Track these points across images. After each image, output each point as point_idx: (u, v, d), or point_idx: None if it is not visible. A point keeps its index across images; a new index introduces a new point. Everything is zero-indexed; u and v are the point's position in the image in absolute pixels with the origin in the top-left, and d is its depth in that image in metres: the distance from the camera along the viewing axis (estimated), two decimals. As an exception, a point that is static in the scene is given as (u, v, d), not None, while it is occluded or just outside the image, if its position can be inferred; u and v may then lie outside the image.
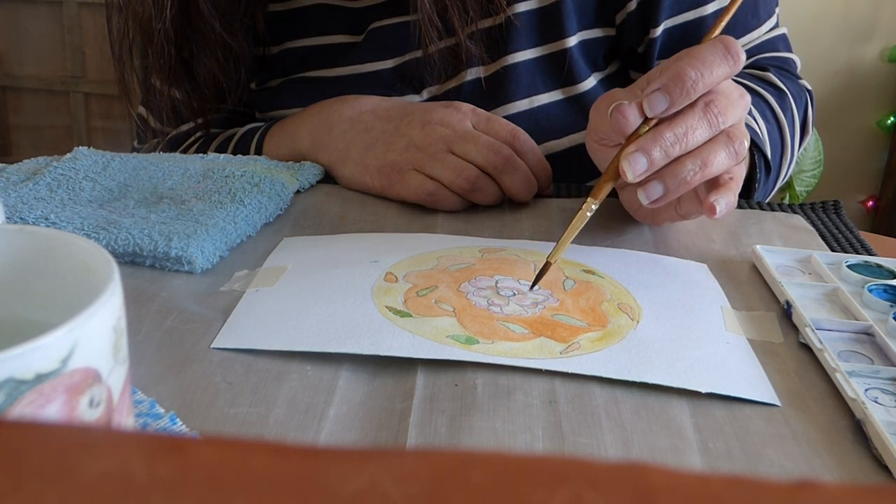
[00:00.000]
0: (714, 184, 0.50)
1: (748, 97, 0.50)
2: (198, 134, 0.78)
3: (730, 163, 0.48)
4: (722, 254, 0.55)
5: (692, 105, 0.47)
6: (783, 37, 0.75)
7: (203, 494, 0.13)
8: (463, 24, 0.65)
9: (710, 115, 0.47)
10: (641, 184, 0.48)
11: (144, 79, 0.70)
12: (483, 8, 0.66)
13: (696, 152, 0.48)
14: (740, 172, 0.52)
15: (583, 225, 0.49)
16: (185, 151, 0.77)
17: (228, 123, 0.78)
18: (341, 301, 0.45)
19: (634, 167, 0.47)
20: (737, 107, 0.49)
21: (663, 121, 0.48)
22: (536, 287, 0.47)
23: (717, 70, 0.47)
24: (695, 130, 0.47)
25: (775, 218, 0.62)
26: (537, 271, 0.50)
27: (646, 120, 0.48)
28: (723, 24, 0.50)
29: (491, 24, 0.68)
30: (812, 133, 0.85)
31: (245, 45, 0.71)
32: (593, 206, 0.49)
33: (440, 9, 0.64)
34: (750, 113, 0.64)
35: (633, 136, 0.48)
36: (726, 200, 0.49)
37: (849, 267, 0.51)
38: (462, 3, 0.64)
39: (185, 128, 0.78)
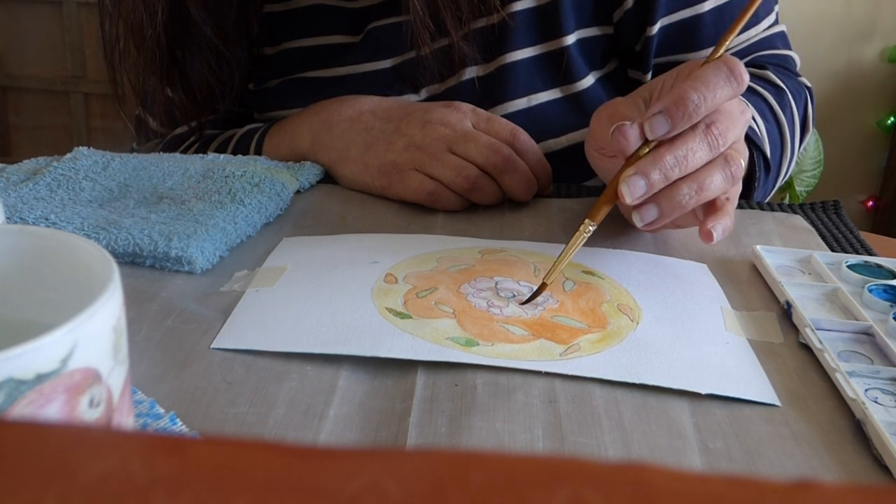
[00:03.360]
0: (711, 206, 0.50)
1: (749, 112, 0.50)
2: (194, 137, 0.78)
3: (725, 186, 0.48)
4: (722, 254, 0.55)
5: (693, 126, 0.47)
6: (782, 34, 0.75)
7: (203, 494, 0.13)
8: (456, 24, 0.65)
9: (710, 136, 0.47)
10: (637, 206, 0.48)
11: (138, 81, 0.70)
12: (476, 8, 0.66)
13: (693, 176, 0.47)
14: (736, 189, 0.52)
15: (579, 247, 0.48)
16: (183, 153, 0.77)
17: (227, 124, 0.78)
18: (341, 302, 0.45)
19: (633, 190, 0.47)
20: (737, 125, 0.48)
21: (663, 142, 0.47)
22: (536, 289, 0.47)
23: (720, 92, 0.46)
24: (695, 153, 0.47)
25: (775, 218, 0.62)
26: (537, 273, 0.50)
27: (646, 140, 0.48)
28: (727, 42, 0.49)
29: (485, 23, 0.68)
30: (812, 132, 0.85)
31: (238, 50, 0.71)
32: (591, 228, 0.48)
33: (433, 10, 0.64)
34: None
35: (633, 157, 0.48)
36: (723, 226, 0.49)
37: (849, 267, 0.51)
38: (454, 4, 0.64)
39: (179, 130, 0.78)
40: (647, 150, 0.48)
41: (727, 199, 0.50)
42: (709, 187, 0.48)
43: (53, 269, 0.28)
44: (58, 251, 0.28)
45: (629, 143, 0.47)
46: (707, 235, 0.48)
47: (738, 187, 0.52)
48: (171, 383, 0.38)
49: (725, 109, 0.48)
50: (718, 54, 0.49)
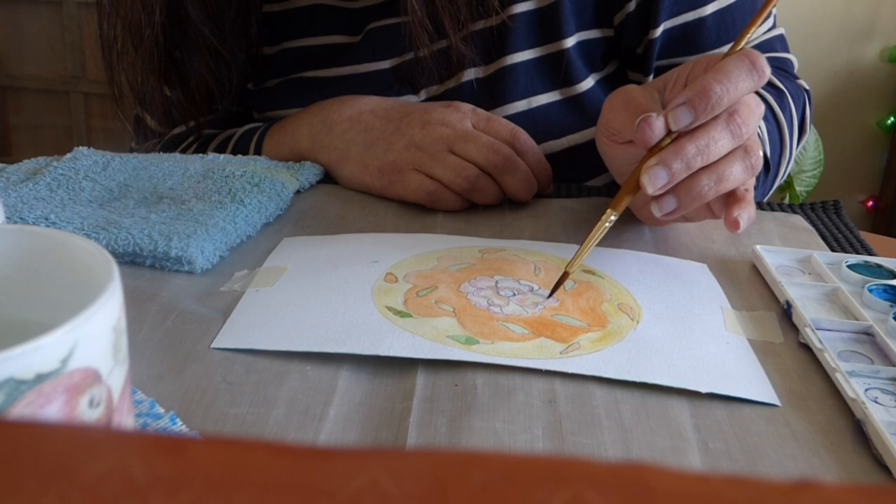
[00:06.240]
0: (732, 197, 0.49)
1: (763, 107, 0.50)
2: (193, 136, 0.78)
3: (745, 177, 0.48)
4: (722, 254, 0.55)
5: (715, 116, 0.47)
6: (781, 37, 0.75)
7: (203, 494, 0.13)
8: (455, 26, 0.65)
9: (733, 125, 0.47)
10: (656, 196, 0.48)
11: (136, 81, 0.70)
12: (475, 10, 0.66)
13: (713, 167, 0.47)
14: (752, 181, 0.52)
15: (601, 236, 0.48)
16: (182, 152, 0.77)
17: (226, 124, 0.78)
18: (341, 301, 0.45)
19: (655, 181, 0.47)
20: (755, 116, 0.48)
21: (684, 132, 0.48)
22: (537, 287, 0.47)
23: (741, 84, 0.47)
24: (717, 142, 0.47)
25: (775, 218, 0.62)
26: (537, 272, 0.50)
27: (668, 132, 0.48)
28: (748, 35, 0.49)
29: (484, 25, 0.68)
30: (811, 132, 0.85)
31: (237, 51, 0.71)
32: (612, 218, 0.49)
33: (431, 11, 0.63)
34: None
35: (654, 147, 0.48)
36: (748, 214, 0.49)
37: (849, 267, 0.51)
38: (453, 5, 0.64)
39: (178, 130, 0.79)
40: (669, 140, 0.48)
41: (746, 189, 0.50)
42: (728, 178, 0.48)
43: (53, 269, 0.28)
44: (58, 251, 0.28)
45: (654, 133, 0.47)
46: (733, 224, 0.48)
47: (754, 179, 0.52)
48: (171, 383, 0.38)
49: (745, 100, 0.48)
50: (739, 47, 0.49)
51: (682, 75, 0.52)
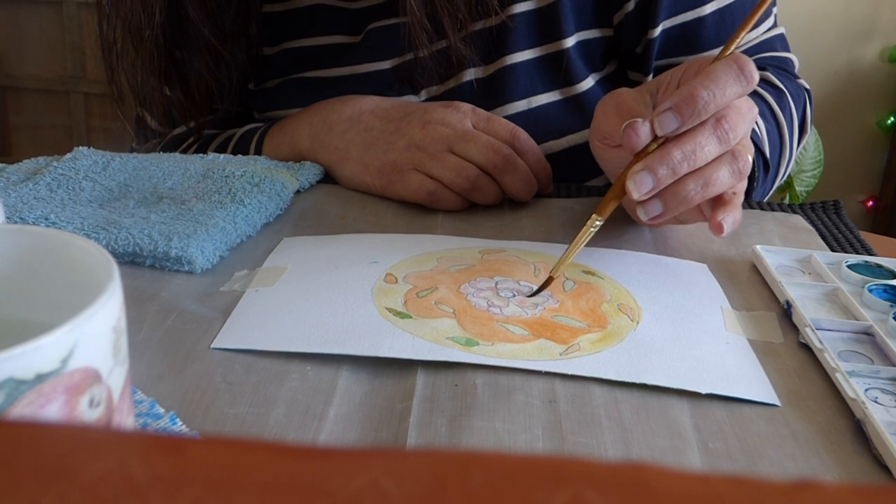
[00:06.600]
0: (718, 200, 0.49)
1: (756, 109, 0.50)
2: (193, 137, 0.78)
3: (732, 182, 0.48)
4: (722, 254, 0.55)
5: (703, 121, 0.47)
6: (781, 36, 0.75)
7: (203, 494, 0.13)
8: (454, 26, 0.65)
9: (720, 130, 0.47)
10: (642, 201, 0.48)
11: (136, 81, 0.70)
12: (475, 11, 0.66)
13: (700, 172, 0.47)
14: (743, 185, 0.52)
15: (587, 241, 0.48)
16: (183, 153, 0.77)
17: (226, 124, 0.78)
18: (341, 302, 0.45)
19: (640, 186, 0.47)
20: (746, 121, 0.48)
21: (672, 137, 0.47)
22: (536, 288, 0.47)
23: (729, 90, 0.46)
24: (703, 147, 0.47)
25: (775, 218, 0.62)
26: (537, 273, 0.50)
27: (655, 137, 0.48)
28: (738, 39, 0.49)
29: (484, 26, 0.68)
30: (811, 132, 0.85)
31: (237, 51, 0.71)
32: (598, 223, 0.49)
33: (430, 12, 0.64)
34: None
35: (642, 152, 0.48)
36: (732, 218, 0.49)
37: (849, 267, 0.51)
38: (452, 6, 0.64)
39: (178, 130, 0.79)
40: (656, 145, 0.48)
41: (734, 193, 0.50)
42: (715, 183, 0.48)
43: (53, 269, 0.28)
44: (58, 251, 0.28)
45: (640, 139, 0.47)
46: (717, 228, 0.48)
47: (745, 183, 0.52)
48: (171, 383, 0.38)
49: (735, 105, 0.48)
50: (729, 52, 0.49)
51: (675, 77, 0.52)
